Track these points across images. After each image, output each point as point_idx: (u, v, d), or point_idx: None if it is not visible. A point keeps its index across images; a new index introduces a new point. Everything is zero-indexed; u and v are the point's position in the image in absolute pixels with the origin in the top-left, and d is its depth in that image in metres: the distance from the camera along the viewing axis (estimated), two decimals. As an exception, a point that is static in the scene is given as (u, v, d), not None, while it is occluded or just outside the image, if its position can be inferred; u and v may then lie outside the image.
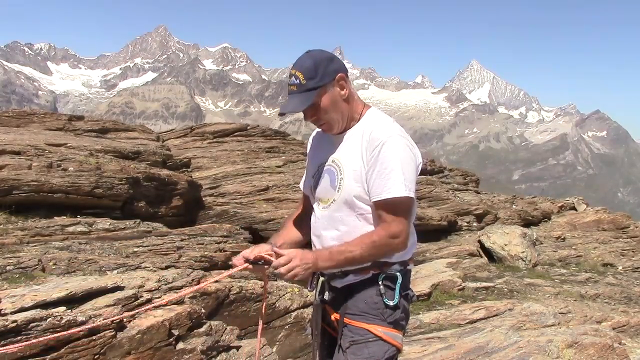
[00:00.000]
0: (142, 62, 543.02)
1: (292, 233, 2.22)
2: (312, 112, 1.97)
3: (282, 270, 1.83)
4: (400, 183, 1.86)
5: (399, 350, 1.99)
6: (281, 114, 2.05)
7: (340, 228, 1.98)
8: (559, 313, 6.08)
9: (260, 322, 2.13)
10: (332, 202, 2.01)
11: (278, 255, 1.87)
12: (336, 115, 1.97)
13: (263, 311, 2.18)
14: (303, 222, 2.20)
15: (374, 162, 1.89)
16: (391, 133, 1.92)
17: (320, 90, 1.92)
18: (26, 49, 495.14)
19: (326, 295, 2.05)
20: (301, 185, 2.29)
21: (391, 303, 1.94)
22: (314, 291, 2.12)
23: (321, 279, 2.06)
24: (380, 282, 1.96)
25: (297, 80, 1.92)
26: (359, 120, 2.03)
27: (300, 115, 1.98)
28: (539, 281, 9.02)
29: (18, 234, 5.82)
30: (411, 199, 1.89)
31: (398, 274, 1.98)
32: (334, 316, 2.04)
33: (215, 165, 13.58)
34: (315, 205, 2.11)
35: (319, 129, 2.23)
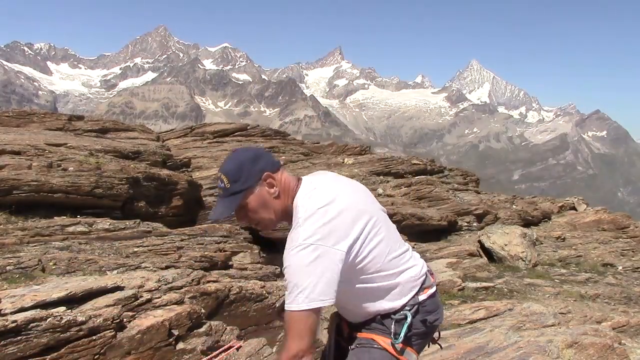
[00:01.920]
0: (142, 62, 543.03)
1: None
2: (241, 214, 1.93)
3: None
4: (292, 296, 1.74)
5: None
6: (212, 221, 2.02)
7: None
8: (559, 313, 6.08)
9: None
10: None
11: None
12: (267, 215, 1.92)
13: None
14: None
15: None
16: (298, 244, 1.78)
17: (246, 192, 1.87)
18: (26, 49, 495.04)
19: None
20: None
21: (397, 342, 1.93)
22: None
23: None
24: (392, 326, 1.96)
25: (223, 184, 1.89)
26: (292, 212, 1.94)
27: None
28: (539, 281, 9.02)
29: (18, 234, 5.82)
30: (308, 313, 1.74)
31: (408, 314, 1.96)
32: (347, 331, 2.10)
33: (215, 165, 13.58)
34: None
35: None
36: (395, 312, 1.97)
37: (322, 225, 1.78)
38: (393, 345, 1.94)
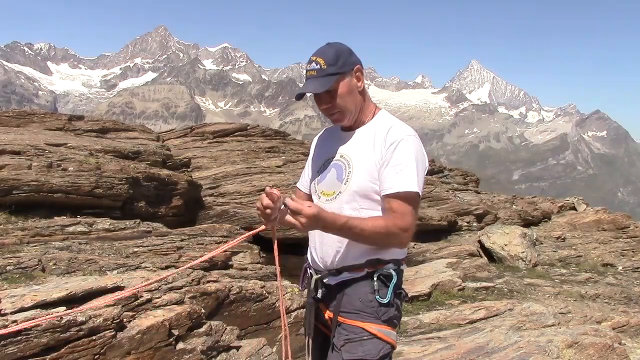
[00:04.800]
0: (142, 62, 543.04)
1: None
2: (327, 98, 2.01)
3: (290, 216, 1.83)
4: (414, 179, 1.91)
5: (393, 348, 2.01)
6: (299, 96, 2.05)
7: None
8: (559, 313, 6.08)
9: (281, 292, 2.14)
10: (337, 195, 2.03)
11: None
12: (350, 106, 2.02)
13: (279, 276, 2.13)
14: None
15: (390, 157, 1.93)
16: (409, 132, 2.00)
17: (339, 77, 1.98)
18: (26, 49, 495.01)
19: (319, 293, 2.06)
20: (299, 184, 2.32)
21: (384, 301, 1.96)
22: (307, 289, 2.14)
23: (315, 276, 2.07)
24: (374, 280, 1.97)
25: (318, 66, 1.97)
26: (371, 118, 2.08)
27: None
28: (539, 281, 9.02)
29: (18, 234, 5.81)
30: (420, 196, 1.95)
31: (393, 272, 2.00)
32: (328, 315, 2.06)
33: (215, 165, 13.58)
34: (316, 199, 2.13)
35: (324, 130, 2.25)
36: (385, 263, 1.99)
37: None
38: (383, 319, 1.95)
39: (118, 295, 2.53)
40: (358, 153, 2.02)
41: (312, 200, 2.18)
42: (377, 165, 1.96)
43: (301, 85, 2.13)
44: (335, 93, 1.98)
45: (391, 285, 1.97)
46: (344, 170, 2.03)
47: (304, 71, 2.09)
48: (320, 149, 2.22)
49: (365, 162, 1.98)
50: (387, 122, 2.04)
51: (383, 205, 1.95)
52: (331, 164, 2.09)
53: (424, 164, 1.99)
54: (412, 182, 1.90)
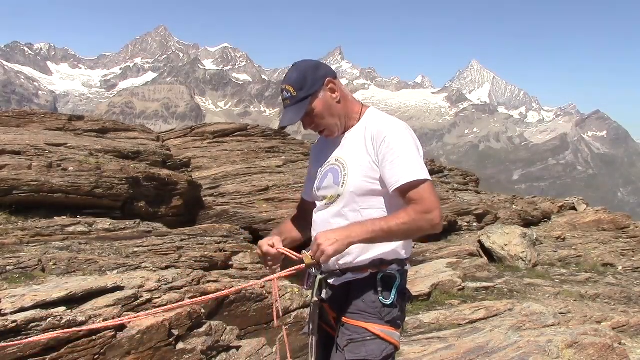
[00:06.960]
0: (142, 62, 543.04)
1: (292, 229, 2.29)
2: (309, 120, 2.04)
3: (317, 255, 1.86)
4: (417, 165, 1.92)
5: (396, 348, 2.01)
6: (281, 128, 2.09)
7: (343, 223, 2.01)
8: (559, 313, 6.09)
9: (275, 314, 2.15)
10: (337, 198, 2.04)
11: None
12: (332, 119, 2.04)
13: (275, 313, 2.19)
14: (301, 222, 2.27)
15: (386, 152, 1.94)
16: (398, 124, 2.00)
17: (312, 98, 1.99)
18: (26, 49, 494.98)
19: (324, 294, 2.06)
20: (303, 194, 2.36)
21: (388, 302, 1.97)
22: (311, 290, 2.14)
23: (319, 277, 2.08)
24: (378, 281, 1.98)
25: (289, 94, 1.99)
26: (359, 119, 2.09)
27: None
28: (539, 281, 9.02)
29: (18, 234, 5.81)
30: (430, 180, 1.95)
31: (397, 274, 2.00)
32: (332, 315, 2.07)
33: (215, 165, 13.59)
34: (318, 204, 2.15)
35: (319, 138, 2.28)
36: (388, 264, 2.00)
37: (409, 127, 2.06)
38: (386, 320, 1.97)
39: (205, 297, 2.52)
40: (351, 155, 2.04)
41: (315, 202, 2.20)
42: (372, 164, 1.97)
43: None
44: (313, 114, 2.01)
45: (395, 286, 1.99)
46: (340, 173, 2.05)
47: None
48: (317, 157, 2.25)
49: (359, 163, 2.00)
50: (375, 120, 2.05)
51: (389, 202, 1.97)
52: (328, 169, 2.11)
53: (420, 150, 2.00)
54: (417, 169, 1.91)
